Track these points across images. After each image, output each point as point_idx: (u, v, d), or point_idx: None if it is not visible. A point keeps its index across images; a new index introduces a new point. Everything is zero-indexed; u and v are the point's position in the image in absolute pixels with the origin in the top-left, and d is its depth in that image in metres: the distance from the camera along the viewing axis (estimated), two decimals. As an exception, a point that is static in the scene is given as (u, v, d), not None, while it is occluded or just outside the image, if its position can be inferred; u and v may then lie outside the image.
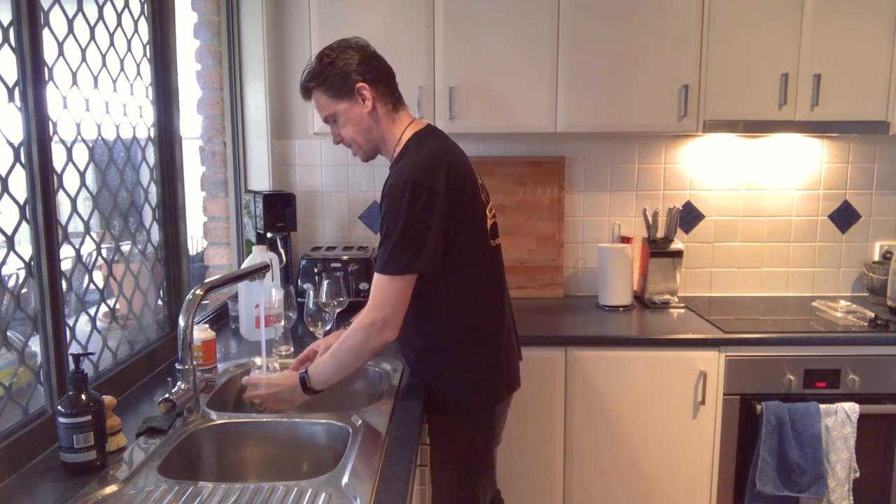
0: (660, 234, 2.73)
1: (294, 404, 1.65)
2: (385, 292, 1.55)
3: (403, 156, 1.62)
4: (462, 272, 1.63)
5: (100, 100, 1.66)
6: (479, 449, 1.73)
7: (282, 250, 2.49)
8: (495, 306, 1.71)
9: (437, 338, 1.68)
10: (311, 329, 1.98)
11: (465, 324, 1.67)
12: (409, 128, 1.66)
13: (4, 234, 1.29)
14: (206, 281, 1.56)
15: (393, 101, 1.65)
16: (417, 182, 1.51)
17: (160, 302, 1.99)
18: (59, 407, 1.24)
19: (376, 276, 1.56)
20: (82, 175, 1.56)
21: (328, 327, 1.99)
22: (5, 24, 1.28)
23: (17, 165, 1.31)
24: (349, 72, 1.58)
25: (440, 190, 1.53)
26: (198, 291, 1.48)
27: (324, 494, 1.17)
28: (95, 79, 1.63)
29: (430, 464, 1.75)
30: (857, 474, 2.21)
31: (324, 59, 1.60)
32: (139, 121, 1.85)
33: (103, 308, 1.68)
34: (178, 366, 1.46)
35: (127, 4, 1.77)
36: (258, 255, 2.14)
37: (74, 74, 1.53)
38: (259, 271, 1.76)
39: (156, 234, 1.94)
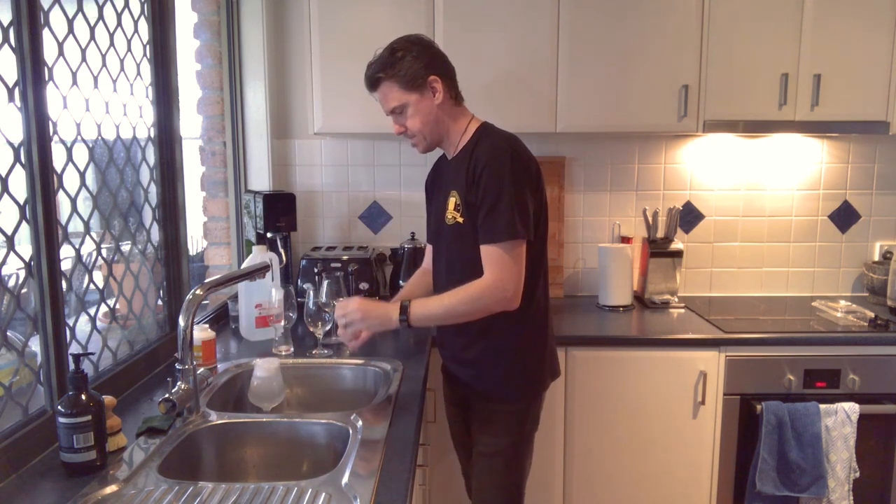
0: (660, 234, 2.73)
1: (380, 328, 1.69)
2: (505, 260, 1.57)
3: (479, 141, 1.67)
4: (530, 254, 1.65)
5: (100, 100, 1.66)
6: (527, 436, 1.78)
7: (282, 250, 2.49)
8: (545, 292, 1.77)
9: (497, 321, 1.66)
10: (311, 329, 1.98)
11: (526, 308, 1.68)
12: (472, 121, 1.75)
13: (4, 234, 1.29)
14: (206, 281, 1.56)
15: (457, 94, 1.74)
16: (516, 153, 1.61)
17: (160, 302, 1.99)
18: (59, 407, 1.24)
19: (490, 248, 1.59)
20: (82, 175, 1.56)
21: (328, 327, 2.00)
22: (5, 24, 1.28)
23: (17, 165, 1.31)
24: (422, 65, 1.65)
25: (533, 167, 1.65)
26: (198, 291, 1.48)
27: (324, 494, 1.17)
28: (95, 79, 1.63)
29: (479, 450, 1.77)
30: (857, 474, 2.21)
31: (395, 51, 1.66)
32: (139, 121, 1.84)
33: (103, 308, 1.68)
34: (178, 366, 1.47)
35: (127, 4, 1.77)
36: (258, 255, 2.14)
37: (74, 74, 1.53)
38: (259, 271, 1.76)
39: (156, 234, 1.94)
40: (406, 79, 1.65)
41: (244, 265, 2.22)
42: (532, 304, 1.70)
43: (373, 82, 1.70)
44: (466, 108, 1.77)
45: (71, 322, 1.48)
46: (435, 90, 1.67)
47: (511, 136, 1.68)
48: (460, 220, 1.67)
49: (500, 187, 1.57)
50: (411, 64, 1.64)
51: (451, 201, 1.70)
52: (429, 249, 1.97)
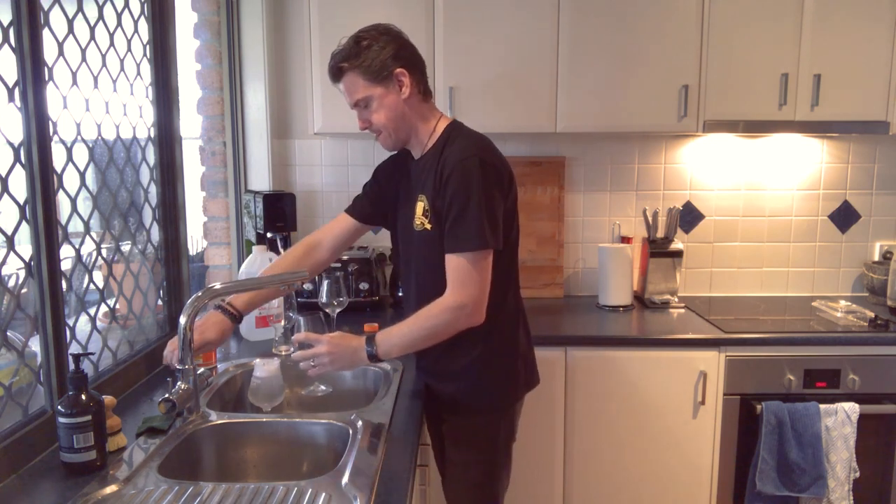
0: (660, 234, 2.73)
1: (349, 369, 1.60)
2: (470, 273, 1.48)
3: (448, 141, 1.58)
4: (498, 261, 1.57)
5: (100, 100, 1.66)
6: (502, 447, 1.72)
7: (282, 250, 2.48)
8: (517, 299, 1.69)
9: (464, 332, 1.58)
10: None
11: (494, 316, 1.59)
12: (441, 119, 1.65)
13: (4, 234, 1.29)
14: (218, 287, 1.48)
15: (425, 90, 1.63)
16: (485, 158, 1.51)
17: (160, 302, 1.99)
18: (59, 407, 1.24)
19: (455, 257, 1.49)
20: (82, 175, 1.56)
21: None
22: (5, 24, 1.28)
23: (17, 165, 1.31)
24: (388, 55, 1.53)
25: (504, 172, 1.55)
26: (200, 295, 1.46)
27: (324, 494, 1.17)
28: (95, 79, 1.63)
29: (451, 464, 1.73)
30: (857, 474, 2.21)
31: (361, 41, 1.54)
32: (139, 121, 1.85)
33: (103, 308, 1.68)
34: (178, 366, 1.46)
35: (127, 4, 1.77)
36: (258, 255, 2.14)
37: (74, 74, 1.53)
38: (292, 277, 1.61)
39: (156, 234, 1.94)
40: (371, 70, 1.53)
41: (244, 266, 2.22)
42: (501, 313, 1.62)
43: (335, 73, 1.57)
44: (435, 106, 1.68)
45: (71, 322, 1.48)
46: (401, 83, 1.55)
47: (481, 139, 1.58)
48: (428, 226, 1.58)
49: (468, 194, 1.47)
50: (377, 54, 1.52)
51: (420, 206, 1.60)
52: (344, 222, 1.81)
